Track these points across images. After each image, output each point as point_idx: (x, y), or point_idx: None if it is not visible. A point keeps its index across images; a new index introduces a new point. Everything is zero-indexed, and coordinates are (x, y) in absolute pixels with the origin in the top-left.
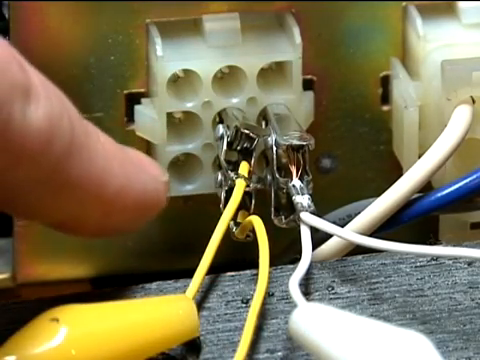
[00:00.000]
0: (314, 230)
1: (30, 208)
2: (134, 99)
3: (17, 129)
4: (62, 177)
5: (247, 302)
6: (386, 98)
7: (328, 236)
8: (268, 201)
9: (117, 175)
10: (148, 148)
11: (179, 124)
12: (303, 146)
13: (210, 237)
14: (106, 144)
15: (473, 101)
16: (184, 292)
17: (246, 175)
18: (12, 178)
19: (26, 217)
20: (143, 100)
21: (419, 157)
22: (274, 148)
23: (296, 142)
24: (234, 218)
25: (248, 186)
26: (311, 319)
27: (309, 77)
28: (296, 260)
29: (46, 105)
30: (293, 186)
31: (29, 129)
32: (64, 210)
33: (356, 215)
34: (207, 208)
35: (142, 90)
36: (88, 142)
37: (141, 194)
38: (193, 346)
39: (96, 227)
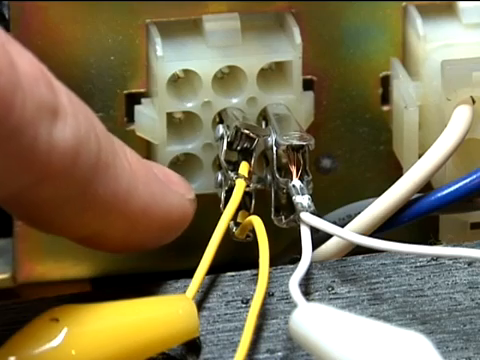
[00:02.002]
0: (314, 230)
1: (55, 224)
2: (134, 99)
3: (43, 148)
4: (88, 195)
5: (247, 302)
6: (386, 98)
7: (328, 236)
8: (268, 201)
9: (143, 193)
10: (148, 148)
11: (179, 124)
12: (303, 146)
13: (210, 237)
14: (133, 162)
15: (473, 101)
16: (184, 292)
17: (246, 175)
18: (38, 195)
19: (51, 232)
20: (143, 100)
21: (419, 157)
22: (274, 148)
23: (296, 142)
24: (234, 218)
25: (248, 186)
26: (311, 319)
27: (309, 77)
28: (296, 260)
29: (73, 124)
30: (293, 186)
31: (55, 148)
32: (89, 226)
33: (356, 215)
34: (207, 208)
35: (142, 90)
36: (115, 160)
37: (166, 212)
38: (193, 346)
39: (120, 243)
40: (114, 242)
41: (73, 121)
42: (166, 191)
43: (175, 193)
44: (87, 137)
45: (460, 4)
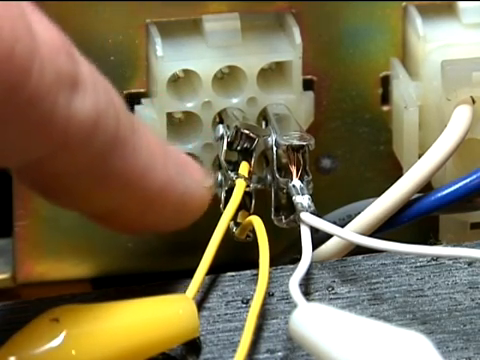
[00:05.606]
0: (314, 230)
1: (71, 197)
2: (134, 99)
3: (61, 119)
4: (104, 169)
5: (247, 302)
6: (386, 98)
7: (328, 236)
8: (268, 201)
9: (159, 173)
10: None
11: (179, 124)
12: (303, 146)
13: (210, 237)
14: (151, 142)
15: (473, 101)
16: (184, 292)
17: (246, 175)
18: (54, 166)
19: (67, 206)
20: (143, 100)
21: (419, 157)
22: (274, 148)
23: (296, 142)
24: (234, 218)
25: (248, 186)
26: (311, 319)
27: (309, 77)
28: (296, 260)
29: (92, 97)
30: (293, 186)
31: (73, 120)
32: (104, 202)
33: (356, 215)
34: (207, 208)
35: (142, 90)
36: (133, 137)
37: (182, 195)
38: (193, 346)
39: (135, 223)
40: (129, 221)
41: (93, 93)
42: (183, 175)
43: (192, 178)
44: (106, 110)
45: (460, 4)
